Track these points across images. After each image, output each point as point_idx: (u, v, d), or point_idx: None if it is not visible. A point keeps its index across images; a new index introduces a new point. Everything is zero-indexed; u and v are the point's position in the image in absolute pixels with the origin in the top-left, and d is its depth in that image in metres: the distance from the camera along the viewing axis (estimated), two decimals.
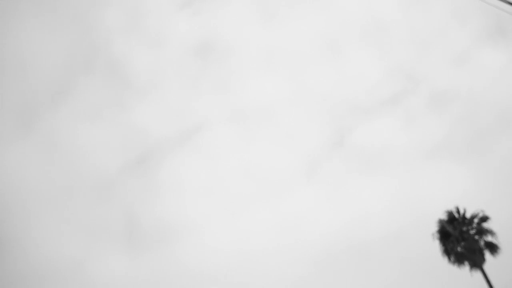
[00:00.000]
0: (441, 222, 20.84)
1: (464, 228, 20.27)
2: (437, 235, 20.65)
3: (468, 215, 20.75)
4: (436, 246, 20.66)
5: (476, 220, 20.46)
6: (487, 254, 19.55)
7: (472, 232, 20.23)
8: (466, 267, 19.69)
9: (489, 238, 19.90)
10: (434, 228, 21.03)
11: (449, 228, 20.32)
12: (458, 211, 20.93)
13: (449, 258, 20.00)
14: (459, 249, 19.84)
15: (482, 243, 19.84)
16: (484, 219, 20.32)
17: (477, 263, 19.20)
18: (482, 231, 20.08)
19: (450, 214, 20.92)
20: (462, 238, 20.00)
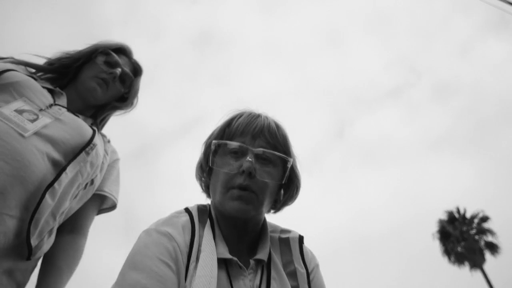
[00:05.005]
0: (441, 222, 20.65)
1: (464, 228, 20.08)
2: (437, 235, 20.49)
3: (468, 215, 20.56)
4: (436, 241, 20.51)
5: (476, 220, 20.28)
6: (487, 254, 19.33)
7: (472, 232, 19.99)
8: (466, 267, 19.51)
9: (489, 238, 19.65)
10: (435, 223, 20.91)
11: (450, 228, 20.13)
12: (458, 211, 20.72)
13: (449, 258, 19.86)
14: (459, 249, 19.65)
15: (482, 243, 19.60)
16: (484, 219, 20.14)
17: (477, 263, 18.98)
18: (482, 231, 19.86)
19: (450, 214, 20.76)
20: (462, 238, 19.81)
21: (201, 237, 0.83)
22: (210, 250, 0.80)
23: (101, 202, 1.27)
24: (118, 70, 1.26)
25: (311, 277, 0.95)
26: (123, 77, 1.30)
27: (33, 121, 0.98)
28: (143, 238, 0.81)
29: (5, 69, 1.05)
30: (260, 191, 0.87)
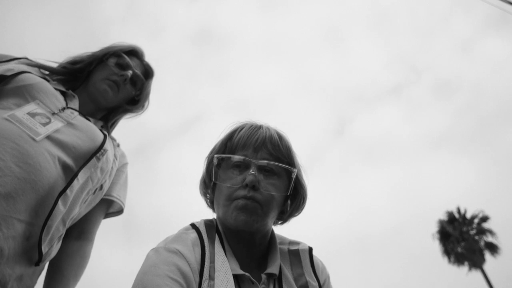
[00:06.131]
0: (441, 222, 20.63)
1: (464, 229, 20.08)
2: (437, 235, 20.49)
3: (468, 215, 20.57)
4: (436, 241, 20.53)
5: (476, 220, 20.28)
6: (487, 254, 19.34)
7: (472, 232, 20.00)
8: (466, 267, 19.52)
9: (489, 238, 19.66)
10: (435, 223, 20.95)
11: (449, 229, 20.12)
12: (458, 211, 20.73)
13: (449, 258, 19.86)
14: (459, 249, 19.65)
15: (482, 243, 19.60)
16: (484, 219, 20.15)
17: (477, 263, 19.00)
18: (482, 231, 19.86)
19: (450, 214, 20.76)
20: (462, 238, 19.81)
21: (211, 253, 0.82)
22: (225, 270, 0.78)
23: (108, 206, 1.26)
24: (129, 72, 1.25)
25: None
26: (134, 79, 1.28)
27: (45, 124, 0.96)
28: (151, 257, 0.79)
29: (19, 71, 1.04)
30: (265, 202, 0.85)
